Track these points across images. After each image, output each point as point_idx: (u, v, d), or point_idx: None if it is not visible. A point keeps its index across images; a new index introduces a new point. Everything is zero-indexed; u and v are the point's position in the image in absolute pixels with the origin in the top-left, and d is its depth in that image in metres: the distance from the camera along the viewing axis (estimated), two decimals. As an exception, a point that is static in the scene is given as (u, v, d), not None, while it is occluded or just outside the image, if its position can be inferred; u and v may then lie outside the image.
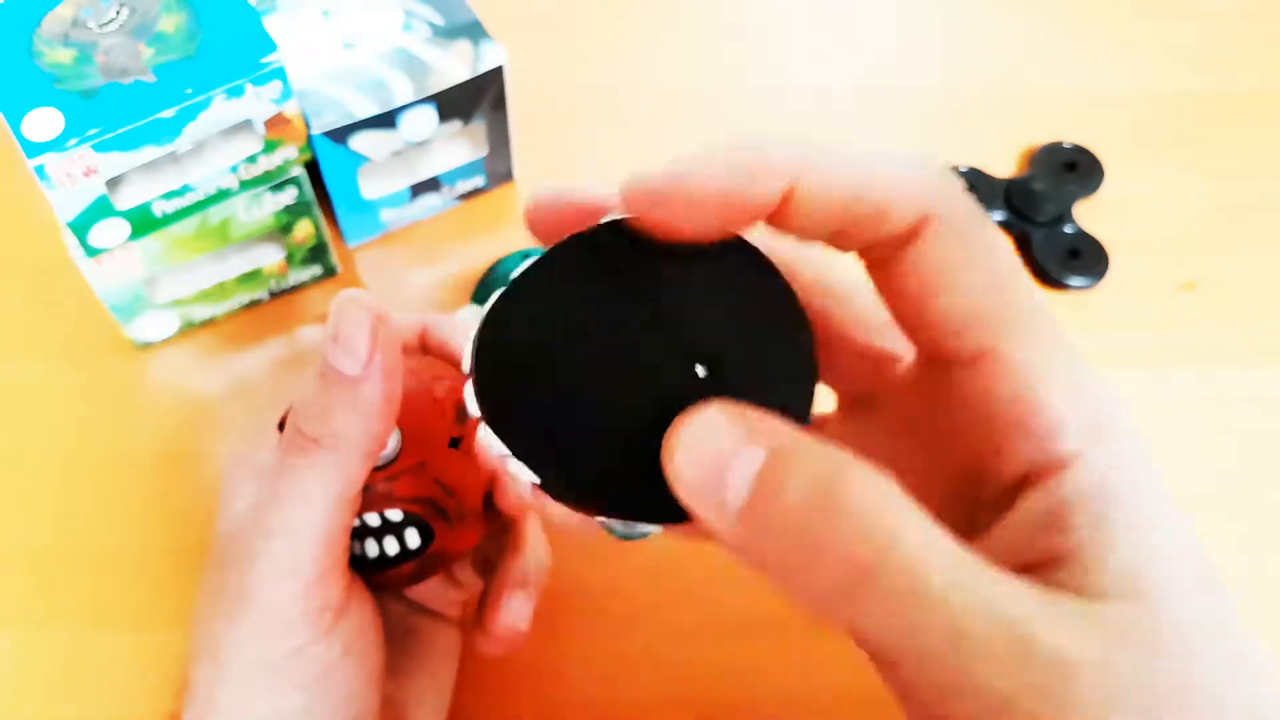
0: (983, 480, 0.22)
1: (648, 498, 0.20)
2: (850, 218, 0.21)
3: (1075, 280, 0.44)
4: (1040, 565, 0.19)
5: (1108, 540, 0.19)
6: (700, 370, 0.21)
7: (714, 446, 0.19)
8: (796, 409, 0.21)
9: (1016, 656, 0.18)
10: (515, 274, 0.21)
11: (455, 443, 0.29)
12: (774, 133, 0.21)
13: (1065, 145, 0.48)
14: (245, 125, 0.38)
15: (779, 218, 0.21)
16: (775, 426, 0.19)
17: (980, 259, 0.21)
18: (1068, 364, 0.21)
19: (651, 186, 0.21)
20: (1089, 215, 0.47)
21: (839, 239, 0.21)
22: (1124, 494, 0.20)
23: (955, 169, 0.47)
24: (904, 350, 0.25)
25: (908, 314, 0.22)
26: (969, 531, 0.21)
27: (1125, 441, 0.20)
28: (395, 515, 0.28)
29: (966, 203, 0.21)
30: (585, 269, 0.21)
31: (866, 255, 0.22)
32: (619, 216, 0.21)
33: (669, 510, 0.20)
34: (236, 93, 0.36)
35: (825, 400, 0.26)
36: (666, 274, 0.21)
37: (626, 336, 0.20)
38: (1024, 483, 0.20)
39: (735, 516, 0.19)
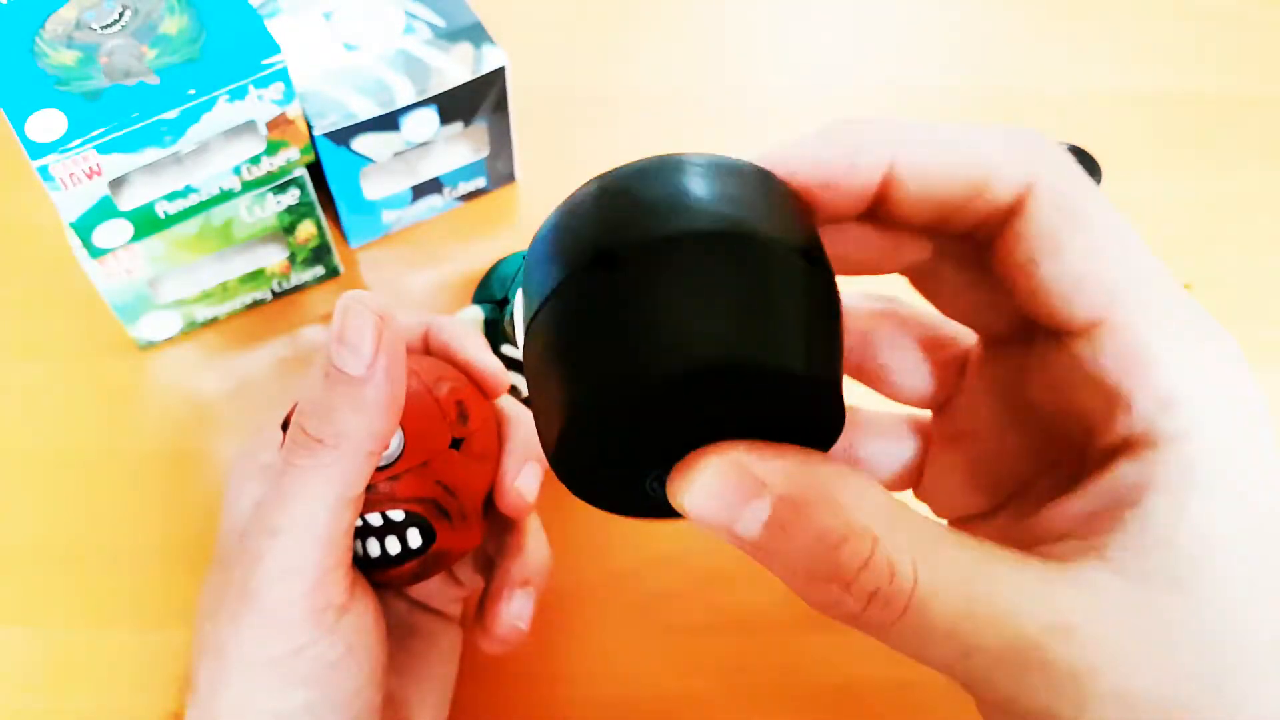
0: (1072, 446, 0.22)
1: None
2: (951, 195, 0.21)
3: (1074, 280, 0.45)
4: (1098, 538, 0.20)
5: (1166, 528, 0.19)
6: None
7: (723, 497, 0.20)
8: (820, 430, 0.20)
9: (1023, 668, 0.18)
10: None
11: (457, 443, 0.29)
12: (861, 118, 0.21)
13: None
14: (248, 126, 0.38)
15: (880, 203, 0.21)
16: (779, 470, 0.20)
17: (1086, 226, 0.20)
18: (1180, 331, 0.20)
19: None
20: (1088, 216, 0.47)
21: (942, 222, 0.21)
22: (1210, 478, 0.19)
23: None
24: (963, 335, 0.26)
25: (1016, 286, 0.21)
26: (1050, 493, 0.22)
27: (1224, 423, 0.20)
28: (397, 515, 0.28)
29: (1070, 170, 0.21)
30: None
31: (972, 236, 0.22)
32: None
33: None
34: (239, 94, 0.36)
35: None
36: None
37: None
38: (1116, 453, 0.20)
39: (749, 544, 0.20)
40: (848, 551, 0.19)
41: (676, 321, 0.18)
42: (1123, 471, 0.20)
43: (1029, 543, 0.21)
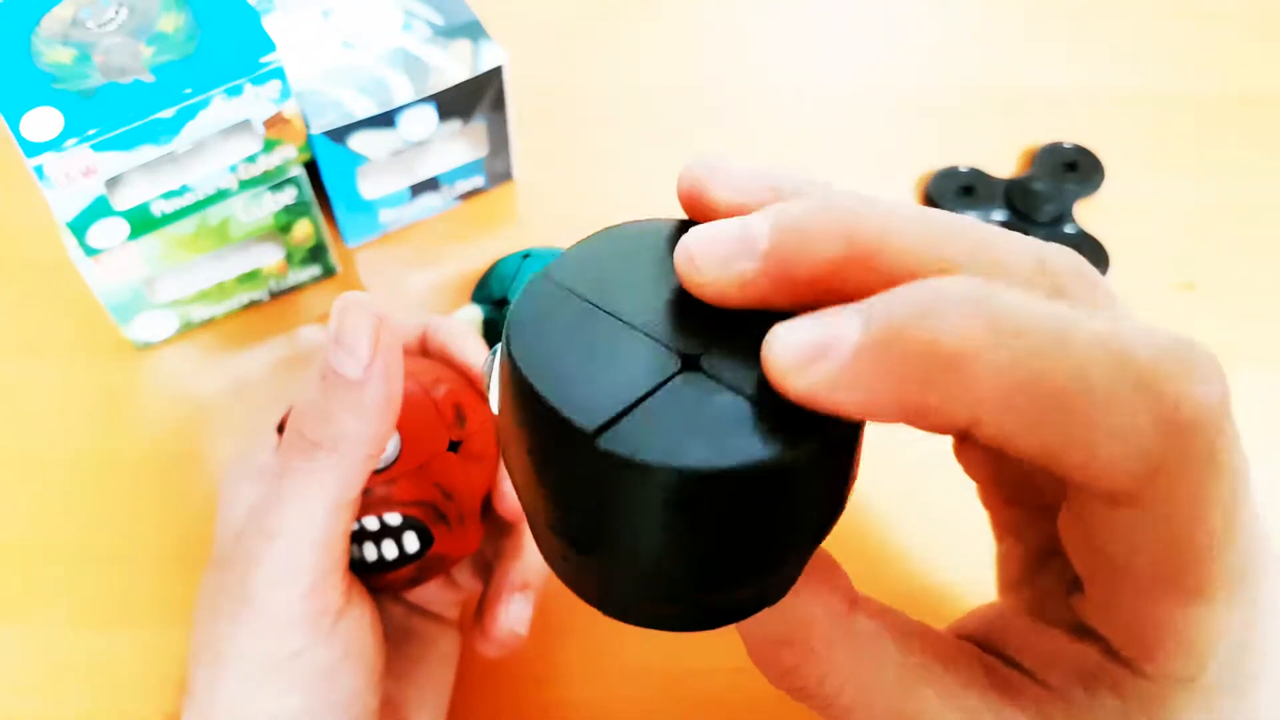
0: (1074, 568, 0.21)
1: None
2: (1038, 466, 0.17)
3: (1075, 281, 0.44)
4: (1047, 696, 0.20)
5: None
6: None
7: None
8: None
9: None
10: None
11: (454, 446, 0.29)
12: (941, 309, 0.16)
13: (1066, 145, 0.48)
14: (244, 125, 0.38)
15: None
16: None
17: (1195, 529, 0.17)
18: (1233, 621, 0.18)
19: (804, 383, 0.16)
20: (1089, 215, 0.47)
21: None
22: None
23: (955, 169, 0.47)
24: None
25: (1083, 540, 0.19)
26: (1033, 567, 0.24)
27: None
28: (394, 519, 0.28)
29: (1208, 429, 0.16)
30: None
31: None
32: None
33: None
34: (235, 92, 0.36)
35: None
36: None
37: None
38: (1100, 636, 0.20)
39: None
40: (786, 653, 0.21)
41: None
42: (1095, 660, 0.20)
43: (1011, 624, 0.22)
